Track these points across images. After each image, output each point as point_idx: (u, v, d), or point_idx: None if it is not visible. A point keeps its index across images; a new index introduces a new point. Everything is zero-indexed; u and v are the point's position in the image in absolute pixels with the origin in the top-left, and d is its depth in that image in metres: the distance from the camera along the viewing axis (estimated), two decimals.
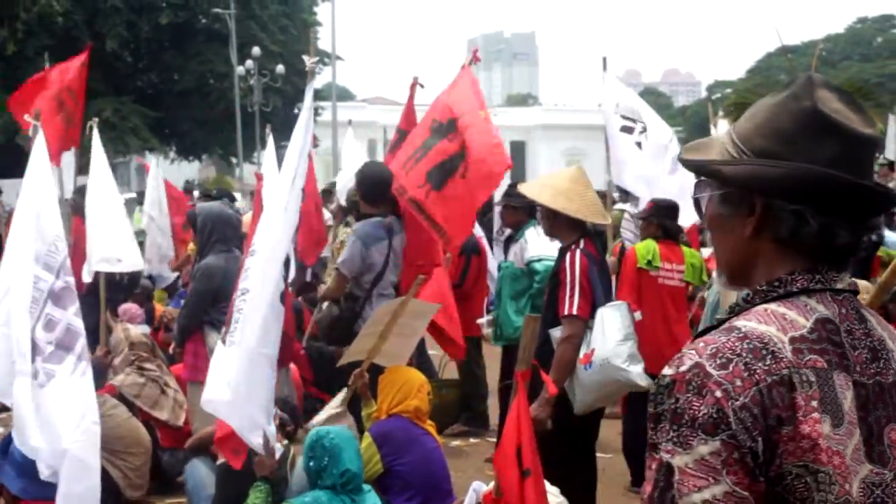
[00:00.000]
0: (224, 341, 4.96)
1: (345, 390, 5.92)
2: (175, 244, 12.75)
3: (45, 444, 4.63)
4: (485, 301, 8.89)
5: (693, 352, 1.52)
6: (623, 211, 9.79)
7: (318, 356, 8.30)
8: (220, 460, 5.41)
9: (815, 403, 1.47)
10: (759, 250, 1.63)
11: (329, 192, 14.28)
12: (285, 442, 5.62)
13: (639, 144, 8.96)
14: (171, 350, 7.64)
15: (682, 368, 1.50)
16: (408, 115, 7.38)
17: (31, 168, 5.23)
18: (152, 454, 6.59)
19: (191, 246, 11.00)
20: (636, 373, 4.84)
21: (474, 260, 8.55)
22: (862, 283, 2.56)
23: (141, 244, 12.97)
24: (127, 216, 7.42)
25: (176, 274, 11.59)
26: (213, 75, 35.76)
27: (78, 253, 8.03)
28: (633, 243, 8.94)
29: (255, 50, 32.57)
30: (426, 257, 6.81)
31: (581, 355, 4.94)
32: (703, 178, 1.72)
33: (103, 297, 7.32)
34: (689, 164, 1.73)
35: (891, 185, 11.46)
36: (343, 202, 10.81)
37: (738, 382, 1.46)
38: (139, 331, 7.59)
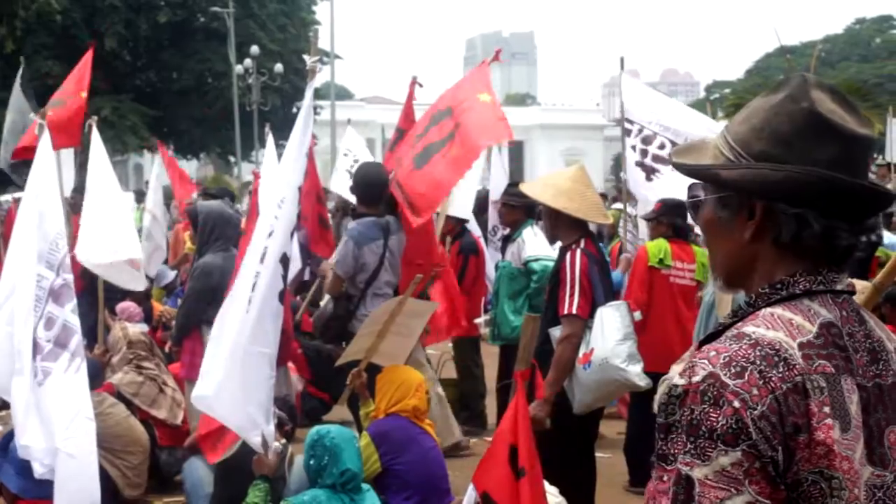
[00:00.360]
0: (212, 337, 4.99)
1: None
2: (175, 242, 12.78)
3: (42, 443, 4.63)
4: (482, 301, 8.90)
5: (705, 361, 1.49)
6: (622, 211, 9.79)
7: (316, 355, 8.31)
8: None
9: (826, 410, 1.47)
10: (758, 254, 1.62)
11: (326, 191, 14.28)
12: (283, 441, 5.62)
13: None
14: (167, 349, 7.64)
15: (696, 378, 1.48)
16: (407, 114, 7.39)
17: (35, 166, 5.24)
18: (150, 453, 6.59)
19: (188, 245, 11.01)
20: (635, 373, 4.85)
21: (472, 260, 8.56)
22: (860, 283, 2.56)
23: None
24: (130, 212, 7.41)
25: (175, 272, 11.59)
26: (212, 74, 35.78)
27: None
28: (633, 243, 8.97)
29: (254, 49, 32.59)
30: (424, 257, 6.81)
31: (580, 355, 4.94)
32: (698, 181, 1.71)
33: (101, 295, 7.31)
34: (683, 168, 1.70)
35: (889, 186, 11.47)
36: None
37: (755, 391, 1.45)
38: (137, 329, 7.58)
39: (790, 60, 31.75)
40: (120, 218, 7.53)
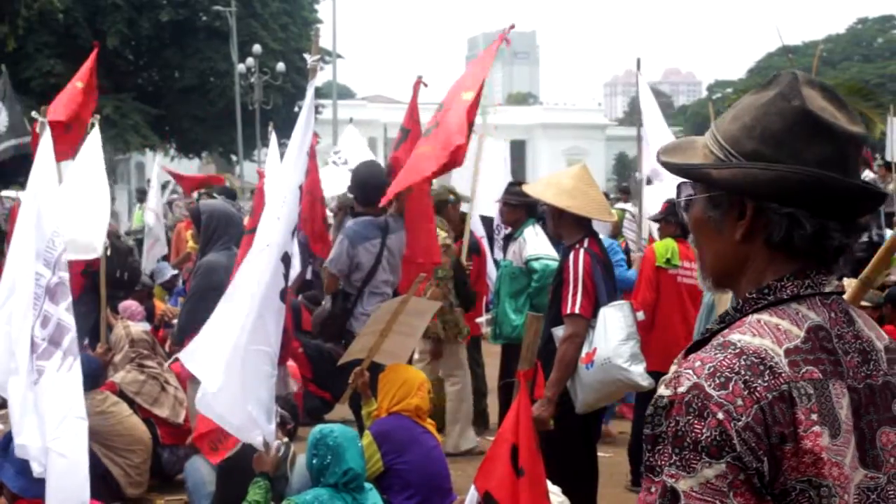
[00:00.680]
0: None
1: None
2: (177, 240, 12.81)
3: (38, 442, 4.60)
4: (484, 300, 8.91)
5: (690, 371, 1.48)
6: (625, 210, 9.80)
7: (318, 354, 8.31)
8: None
9: (814, 417, 1.45)
10: (748, 254, 1.60)
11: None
12: (285, 440, 5.63)
13: None
14: (167, 348, 7.64)
15: (681, 389, 1.46)
16: (411, 113, 7.39)
17: (36, 165, 5.24)
18: (152, 451, 6.60)
19: (191, 244, 11.02)
20: (637, 373, 4.84)
21: (474, 259, 8.56)
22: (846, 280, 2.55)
23: (139, 241, 13.03)
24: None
25: (174, 270, 11.60)
26: (214, 73, 35.76)
27: None
28: (635, 242, 8.98)
29: (256, 48, 32.56)
30: (426, 255, 6.83)
31: (583, 354, 4.94)
32: (687, 181, 1.69)
33: (104, 294, 7.30)
34: (672, 167, 1.68)
35: (890, 186, 11.46)
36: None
37: (740, 402, 1.43)
38: (139, 328, 7.59)
39: (792, 60, 31.67)
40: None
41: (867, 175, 11.46)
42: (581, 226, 5.17)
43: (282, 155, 7.29)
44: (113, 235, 9.37)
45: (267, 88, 33.44)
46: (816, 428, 1.45)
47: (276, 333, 4.86)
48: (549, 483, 3.97)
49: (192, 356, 4.93)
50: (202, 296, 6.51)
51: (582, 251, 5.08)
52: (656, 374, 4.90)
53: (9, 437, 5.44)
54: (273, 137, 10.80)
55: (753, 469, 1.42)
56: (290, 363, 7.87)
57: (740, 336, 1.51)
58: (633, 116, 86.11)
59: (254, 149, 36.01)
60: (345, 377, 5.95)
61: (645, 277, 6.77)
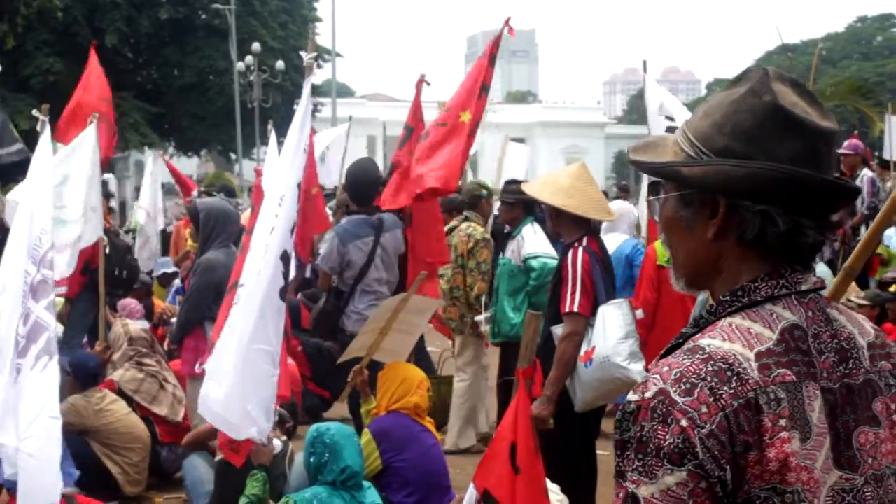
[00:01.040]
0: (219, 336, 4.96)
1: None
2: (176, 239, 12.80)
3: (14, 441, 4.52)
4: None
5: (658, 377, 1.46)
6: None
7: (317, 353, 8.31)
8: (219, 456, 5.41)
9: (783, 422, 1.43)
10: (721, 253, 1.57)
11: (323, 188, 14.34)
12: (284, 438, 5.63)
13: None
14: (166, 346, 7.64)
15: (647, 395, 1.45)
16: (415, 111, 7.39)
17: (33, 164, 5.23)
18: (151, 450, 6.59)
19: (190, 242, 11.01)
20: (636, 371, 4.84)
21: None
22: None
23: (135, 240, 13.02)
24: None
25: (174, 268, 11.59)
26: (213, 71, 35.75)
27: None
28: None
29: (255, 46, 32.55)
30: (436, 255, 6.85)
31: (582, 353, 4.94)
32: (658, 179, 1.66)
33: (102, 292, 7.30)
34: (643, 166, 1.66)
35: (888, 184, 11.46)
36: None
37: (704, 409, 1.41)
38: (138, 326, 7.59)
39: (791, 58, 31.70)
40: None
41: (866, 173, 11.43)
42: (580, 224, 5.16)
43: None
44: (112, 233, 9.37)
45: (266, 86, 33.44)
46: (784, 434, 1.43)
47: (277, 332, 4.85)
48: (548, 481, 3.97)
49: (213, 369, 4.90)
50: (201, 294, 6.51)
51: (581, 250, 5.08)
52: None
53: None
54: (272, 135, 10.82)
55: (716, 477, 1.40)
56: (290, 361, 7.86)
57: (710, 341, 1.49)
58: (632, 115, 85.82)
59: (253, 147, 36.03)
60: (344, 375, 5.96)
61: (646, 276, 6.77)
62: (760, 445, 1.42)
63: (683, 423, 1.41)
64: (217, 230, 6.57)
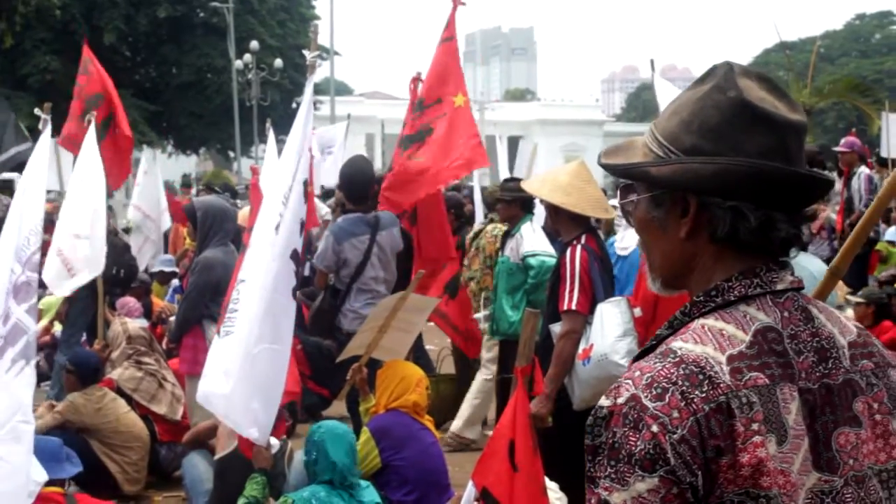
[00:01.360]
0: (219, 332, 4.94)
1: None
2: (175, 238, 12.78)
3: None
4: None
5: (630, 381, 1.45)
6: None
7: (317, 351, 8.31)
8: (218, 454, 5.41)
9: (756, 426, 1.41)
10: (694, 252, 1.56)
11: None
12: (283, 437, 5.63)
13: None
14: (164, 345, 7.64)
15: (619, 400, 1.44)
16: (411, 110, 7.42)
17: (31, 162, 5.22)
18: (150, 448, 6.60)
19: (188, 241, 11.01)
20: None
21: None
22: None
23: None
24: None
25: (174, 267, 11.58)
26: (211, 69, 35.77)
27: None
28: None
29: (254, 44, 32.57)
30: (441, 252, 6.86)
31: (580, 351, 4.94)
32: (628, 181, 1.64)
33: (101, 290, 7.30)
34: (612, 169, 1.64)
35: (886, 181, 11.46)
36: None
37: (675, 414, 1.40)
38: (137, 325, 7.59)
39: (790, 56, 31.69)
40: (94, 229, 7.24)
41: (863, 170, 11.43)
42: (578, 222, 5.16)
43: (280, 152, 7.28)
44: (111, 232, 9.37)
45: (264, 85, 33.45)
46: (757, 438, 1.41)
47: (288, 331, 4.85)
48: (547, 480, 3.97)
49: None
50: (200, 292, 6.52)
51: (579, 248, 5.08)
52: None
53: None
54: (271, 134, 10.84)
55: (687, 483, 1.39)
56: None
57: (682, 344, 1.47)
58: (630, 112, 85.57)
59: (251, 145, 36.03)
60: (343, 374, 5.96)
61: (644, 274, 6.77)
62: (733, 450, 1.40)
63: (654, 428, 1.39)
64: (215, 228, 6.57)
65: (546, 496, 3.86)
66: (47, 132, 5.45)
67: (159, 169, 14.14)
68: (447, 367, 8.65)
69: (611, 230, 9.57)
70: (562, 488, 4.45)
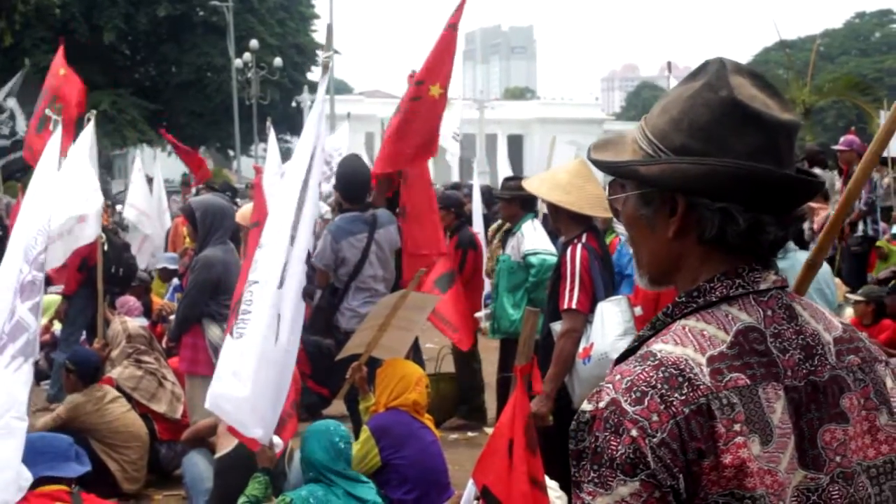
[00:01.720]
0: (232, 333, 4.91)
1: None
2: (174, 236, 12.77)
3: None
4: (482, 295, 8.92)
5: (610, 386, 1.44)
6: None
7: (317, 350, 8.31)
8: (219, 453, 5.41)
9: (738, 427, 1.40)
10: (682, 252, 1.54)
11: None
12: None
13: None
14: (164, 343, 7.64)
15: (601, 405, 1.43)
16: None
17: (40, 164, 5.23)
18: (150, 447, 6.60)
19: (188, 240, 11.00)
20: None
21: (471, 254, 8.57)
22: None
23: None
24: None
25: (174, 265, 11.59)
26: (211, 68, 35.78)
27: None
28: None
29: (253, 43, 32.56)
30: (430, 246, 6.84)
31: (580, 349, 4.94)
32: (617, 178, 1.62)
33: (101, 289, 7.31)
34: (601, 165, 1.62)
35: (885, 181, 11.45)
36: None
37: (655, 417, 1.39)
38: (137, 323, 7.60)
39: (789, 55, 31.71)
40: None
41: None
42: (578, 221, 5.16)
43: (282, 151, 7.27)
44: (110, 231, 9.37)
45: (264, 83, 33.44)
46: (739, 439, 1.40)
47: (299, 333, 4.85)
48: (547, 478, 3.97)
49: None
50: (200, 291, 6.52)
51: (579, 246, 5.07)
52: None
53: None
54: (271, 132, 10.84)
55: (668, 487, 1.38)
56: None
57: (662, 346, 1.46)
58: (630, 111, 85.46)
59: (251, 144, 36.02)
60: (342, 373, 5.96)
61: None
62: (715, 451, 1.39)
63: (634, 432, 1.39)
64: (214, 226, 6.57)
65: (546, 495, 3.86)
66: (58, 132, 5.46)
67: (159, 168, 14.14)
68: (447, 365, 8.65)
69: (608, 228, 9.57)
70: (562, 487, 4.45)
